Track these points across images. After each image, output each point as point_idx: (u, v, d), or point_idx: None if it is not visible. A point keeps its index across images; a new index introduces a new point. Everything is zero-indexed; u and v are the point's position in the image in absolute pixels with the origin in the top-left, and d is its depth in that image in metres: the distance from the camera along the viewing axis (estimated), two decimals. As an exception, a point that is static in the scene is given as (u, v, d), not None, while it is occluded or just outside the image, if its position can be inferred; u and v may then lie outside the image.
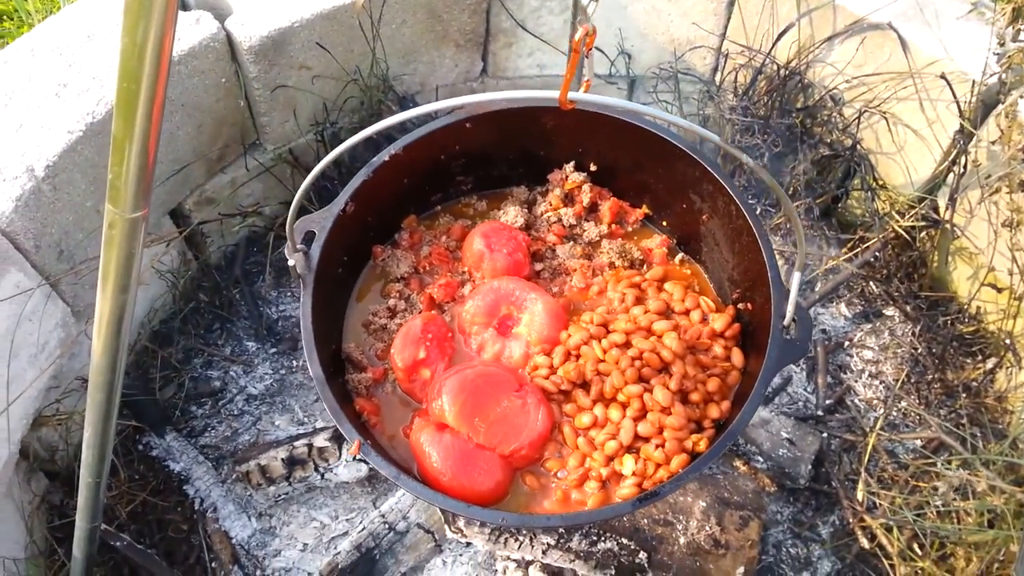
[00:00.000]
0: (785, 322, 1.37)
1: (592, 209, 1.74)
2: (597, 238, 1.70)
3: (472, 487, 1.36)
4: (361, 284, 1.67)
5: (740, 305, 1.56)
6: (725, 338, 1.55)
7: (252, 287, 2.41)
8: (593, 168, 1.73)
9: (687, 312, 1.56)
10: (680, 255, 1.70)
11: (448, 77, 2.47)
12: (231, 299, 2.38)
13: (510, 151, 1.73)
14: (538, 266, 1.67)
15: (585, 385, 1.46)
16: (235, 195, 2.31)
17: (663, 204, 1.71)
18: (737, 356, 1.52)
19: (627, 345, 1.47)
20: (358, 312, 1.63)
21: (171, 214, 2.22)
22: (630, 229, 1.75)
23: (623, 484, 1.38)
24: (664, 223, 1.73)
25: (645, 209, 1.74)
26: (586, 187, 1.72)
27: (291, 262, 1.39)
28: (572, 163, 1.72)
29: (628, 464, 1.38)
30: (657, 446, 1.39)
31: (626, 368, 1.43)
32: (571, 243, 1.70)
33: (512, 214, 1.70)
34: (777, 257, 2.30)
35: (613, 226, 1.72)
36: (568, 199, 1.74)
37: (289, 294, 2.42)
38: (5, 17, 2.82)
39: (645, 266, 1.69)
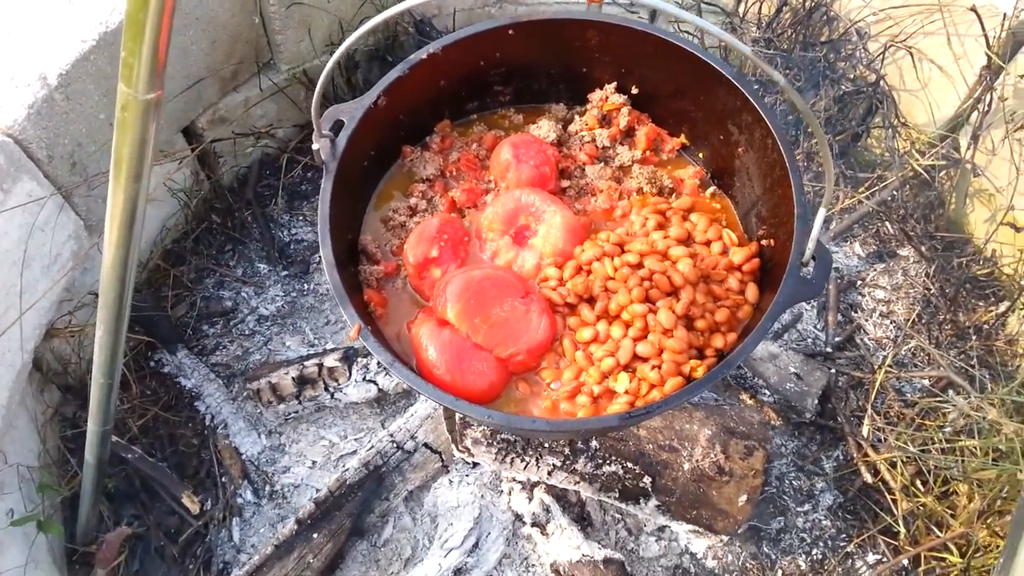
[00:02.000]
0: (804, 259, 1.35)
1: (628, 133, 1.71)
2: (629, 163, 1.67)
3: (464, 384, 1.37)
4: (387, 181, 1.66)
5: (764, 242, 1.54)
6: (742, 271, 1.53)
7: (265, 209, 2.41)
8: (635, 91, 1.69)
9: (708, 243, 1.54)
10: (712, 188, 1.68)
11: (466, 1, 2.43)
12: (243, 221, 2.38)
13: (552, 65, 1.69)
14: (565, 183, 1.65)
15: (591, 300, 1.46)
16: (248, 115, 2.30)
17: (701, 135, 1.68)
18: (752, 291, 1.50)
19: (639, 266, 1.46)
20: (380, 209, 1.63)
21: (184, 132, 2.20)
22: (665, 158, 1.72)
23: (615, 401, 1.39)
24: (700, 155, 1.70)
25: (683, 139, 1.71)
26: (625, 110, 1.68)
27: (315, 146, 1.38)
28: (614, 84, 1.69)
29: (622, 381, 1.38)
30: (654, 367, 1.38)
31: (634, 287, 1.42)
32: (602, 164, 1.68)
33: (545, 128, 1.68)
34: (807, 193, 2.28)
35: (648, 152, 1.69)
36: (605, 121, 1.71)
37: (301, 218, 2.42)
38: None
39: (674, 195, 1.67)
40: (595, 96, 1.71)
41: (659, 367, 1.38)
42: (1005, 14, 1.92)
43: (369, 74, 2.35)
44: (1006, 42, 1.94)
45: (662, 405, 1.31)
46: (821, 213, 1.25)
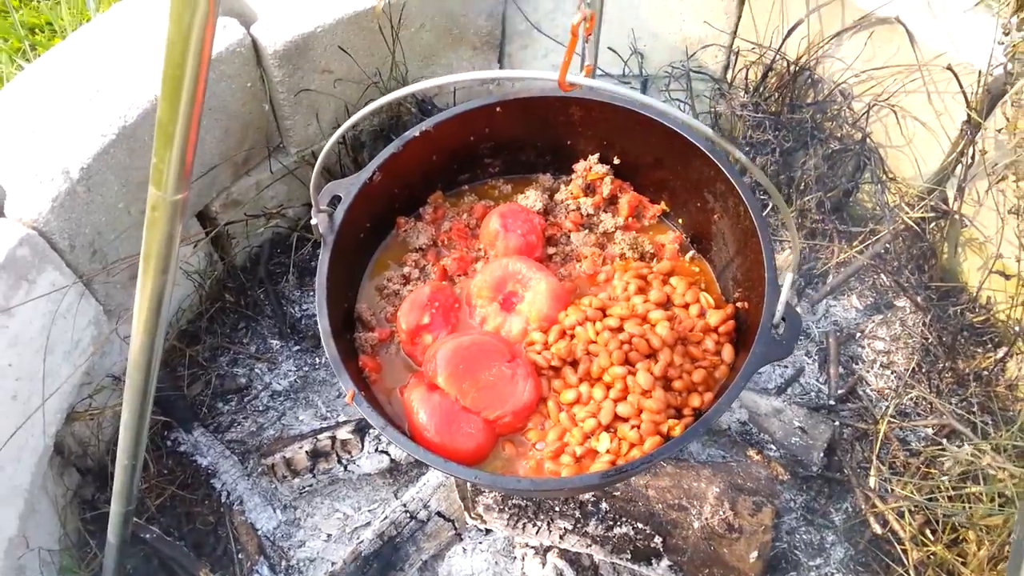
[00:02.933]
0: (774, 321, 1.41)
1: (611, 201, 1.79)
2: (612, 229, 1.76)
3: (453, 446, 1.42)
4: (382, 251, 1.74)
5: (739, 304, 1.61)
6: (719, 333, 1.60)
7: (276, 287, 2.48)
8: (617, 161, 1.78)
9: (686, 306, 1.62)
10: (691, 252, 1.75)
11: (465, 81, 2.53)
12: (256, 299, 2.45)
13: (537, 138, 1.78)
14: (551, 250, 1.73)
15: (575, 363, 1.52)
16: (260, 197, 2.38)
17: (680, 202, 1.76)
18: (728, 352, 1.57)
19: (620, 329, 1.53)
20: (375, 278, 1.70)
21: (198, 216, 2.29)
22: (646, 223, 1.80)
23: (598, 460, 1.44)
24: (679, 220, 1.78)
25: (663, 206, 1.79)
26: (608, 179, 1.77)
27: (314, 221, 1.46)
28: (597, 155, 1.78)
29: (604, 441, 1.44)
30: (633, 427, 1.44)
31: (614, 350, 1.48)
32: (586, 231, 1.76)
33: (532, 197, 1.76)
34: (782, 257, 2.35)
35: (630, 219, 1.78)
36: (589, 189, 1.80)
37: (312, 293, 2.49)
38: (36, 30, 2.91)
39: (655, 259, 1.74)
40: (579, 167, 1.80)
41: (638, 427, 1.44)
42: (980, 71, 2.01)
43: (374, 152, 2.44)
44: (983, 98, 2.02)
45: (643, 462, 1.36)
46: (788, 278, 1.31)
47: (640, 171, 1.78)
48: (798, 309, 2.28)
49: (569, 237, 1.75)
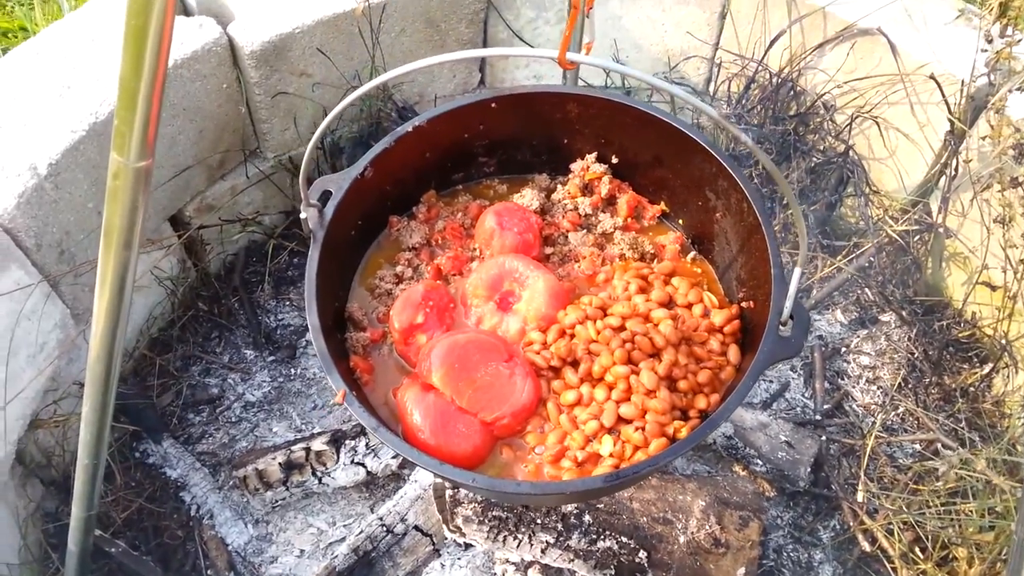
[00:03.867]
0: (782, 318, 1.37)
1: (610, 201, 1.76)
2: (611, 229, 1.71)
3: (449, 448, 1.36)
4: (374, 251, 1.69)
5: (744, 303, 1.57)
6: (724, 333, 1.55)
7: (251, 295, 2.42)
8: (615, 160, 1.74)
9: (689, 306, 1.57)
10: (692, 253, 1.71)
11: (447, 87, 2.51)
12: (230, 307, 2.39)
13: (534, 136, 1.74)
14: (548, 250, 1.69)
15: (575, 363, 1.47)
16: (235, 203, 2.33)
17: (680, 202, 1.73)
18: (734, 352, 1.52)
19: (622, 328, 1.48)
20: (366, 277, 1.65)
21: (171, 221, 2.23)
22: (646, 224, 1.76)
23: (601, 464, 1.38)
24: (680, 221, 1.75)
25: (662, 206, 1.75)
26: (606, 179, 1.73)
27: (303, 215, 1.41)
28: (595, 154, 1.74)
29: (607, 444, 1.38)
30: (637, 428, 1.38)
31: (616, 349, 1.43)
32: (584, 232, 1.72)
33: (529, 197, 1.72)
34: (785, 257, 2.32)
35: (629, 220, 1.74)
36: (587, 189, 1.76)
37: (288, 303, 2.43)
38: (9, 34, 2.86)
39: (655, 260, 1.70)
40: (576, 166, 1.76)
41: (643, 428, 1.38)
42: (963, 81, 2.00)
43: (353, 159, 2.41)
44: (966, 107, 2.02)
45: (648, 465, 1.31)
46: (797, 273, 1.27)
47: (639, 170, 1.75)
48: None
49: (567, 237, 1.71)
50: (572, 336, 1.49)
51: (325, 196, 1.49)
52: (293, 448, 2.03)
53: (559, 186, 1.78)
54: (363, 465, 2.02)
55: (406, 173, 1.67)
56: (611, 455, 1.38)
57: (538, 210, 1.72)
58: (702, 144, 1.55)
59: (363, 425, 1.29)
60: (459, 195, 1.79)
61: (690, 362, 1.47)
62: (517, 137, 1.74)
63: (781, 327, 1.37)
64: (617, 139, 1.72)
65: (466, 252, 1.68)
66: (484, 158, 1.77)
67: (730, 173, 1.51)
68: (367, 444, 2.03)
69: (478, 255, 1.68)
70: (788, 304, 1.34)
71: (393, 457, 2.01)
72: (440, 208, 1.75)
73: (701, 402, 1.44)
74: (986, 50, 1.90)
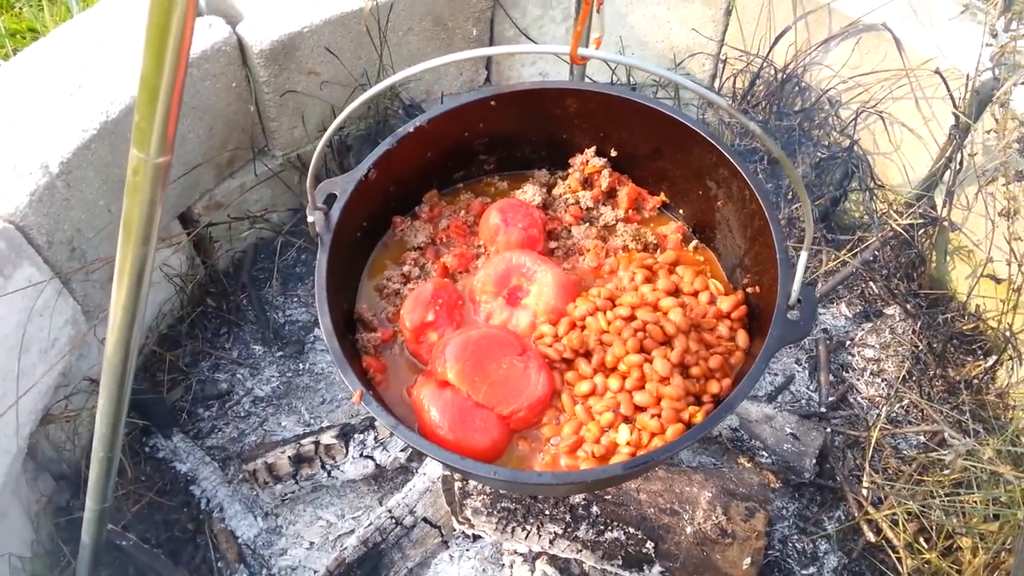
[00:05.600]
0: (790, 301, 1.39)
1: (610, 194, 1.77)
2: (613, 222, 1.73)
3: (468, 443, 1.38)
4: (379, 251, 1.71)
5: (749, 289, 1.59)
6: (731, 319, 1.57)
7: (259, 292, 2.44)
8: (614, 154, 1.76)
9: (696, 294, 1.59)
10: (694, 242, 1.73)
11: (453, 85, 2.52)
12: (238, 304, 2.41)
13: (533, 133, 1.76)
14: (552, 244, 1.70)
15: (587, 354, 1.49)
16: (244, 200, 2.35)
17: (680, 192, 1.75)
18: (742, 337, 1.54)
19: (632, 318, 1.49)
20: (374, 278, 1.67)
21: (180, 218, 2.25)
22: (647, 215, 1.78)
23: (618, 452, 1.40)
24: (680, 211, 1.77)
25: (663, 197, 1.77)
26: (605, 172, 1.75)
27: (310, 219, 1.42)
28: (593, 148, 1.76)
29: (623, 433, 1.40)
30: (653, 416, 1.40)
31: (628, 338, 1.45)
32: (587, 225, 1.73)
33: (531, 192, 1.74)
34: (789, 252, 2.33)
35: (630, 211, 1.76)
36: (587, 183, 1.78)
37: (296, 299, 2.45)
38: (18, 35, 2.88)
39: (659, 250, 1.72)
40: (576, 160, 1.78)
41: (659, 415, 1.40)
42: (968, 75, 2.01)
43: (360, 156, 2.42)
44: (971, 102, 2.03)
45: (667, 450, 1.33)
46: (804, 257, 1.29)
47: (638, 162, 1.76)
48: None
49: (570, 231, 1.73)
50: (583, 328, 1.51)
51: (330, 199, 1.51)
52: (302, 442, 2.05)
53: (559, 181, 1.80)
54: (372, 458, 2.03)
55: (408, 173, 1.69)
56: (628, 443, 1.40)
57: (540, 205, 1.73)
58: (702, 134, 1.57)
59: (380, 423, 1.30)
60: (460, 193, 1.81)
61: (700, 348, 1.49)
62: (517, 134, 1.76)
63: (790, 311, 1.39)
64: (616, 133, 1.73)
65: (471, 249, 1.69)
66: (484, 156, 1.78)
67: (731, 162, 1.53)
68: (376, 437, 2.04)
69: (483, 252, 1.69)
70: (796, 287, 1.37)
71: (402, 450, 2.03)
72: (442, 207, 1.77)
73: (714, 387, 1.47)
74: (991, 44, 1.91)
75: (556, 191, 1.78)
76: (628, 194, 1.75)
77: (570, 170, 1.78)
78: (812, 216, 1.19)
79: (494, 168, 1.82)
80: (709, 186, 1.64)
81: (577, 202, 1.75)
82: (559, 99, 1.69)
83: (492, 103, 1.65)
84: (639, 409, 1.43)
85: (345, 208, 1.50)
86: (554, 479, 1.31)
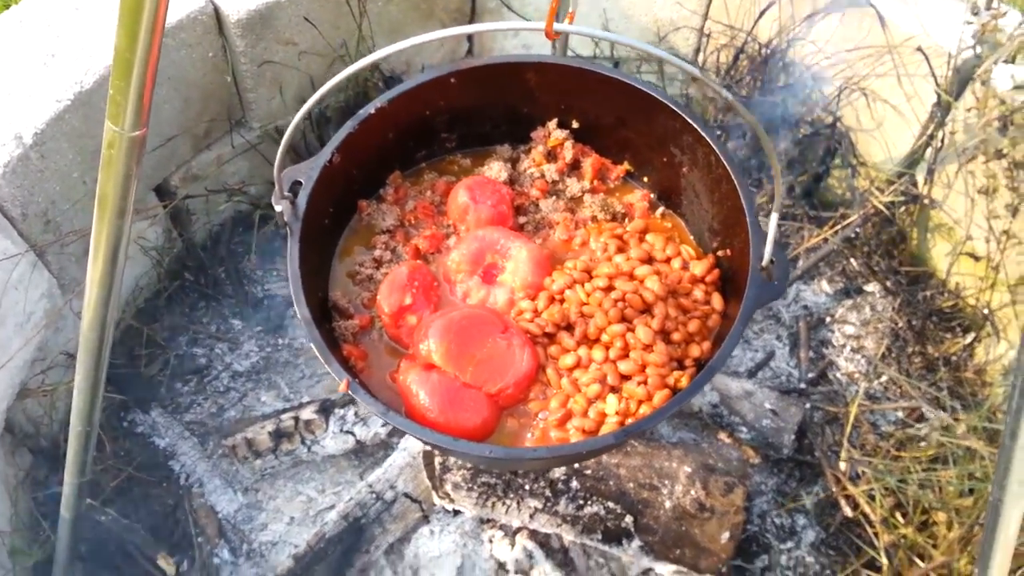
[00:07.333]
0: (763, 263, 1.40)
1: (575, 166, 1.77)
2: (580, 193, 1.74)
3: (459, 423, 1.38)
4: (347, 237, 1.69)
5: (720, 252, 1.61)
6: (705, 283, 1.60)
7: (237, 265, 2.41)
8: (576, 125, 1.76)
9: (668, 260, 1.61)
10: (661, 209, 1.74)
11: (434, 57, 2.49)
12: (216, 277, 2.38)
13: (494, 108, 1.75)
14: (521, 219, 1.70)
15: (569, 328, 1.49)
16: (221, 172, 2.32)
17: (644, 160, 1.75)
18: (717, 300, 1.57)
19: (610, 288, 1.51)
20: (344, 263, 1.65)
21: (156, 190, 2.22)
22: (612, 185, 1.79)
23: (607, 422, 1.41)
24: (645, 179, 1.78)
25: (626, 166, 1.78)
26: (568, 144, 1.75)
27: (278, 208, 1.41)
28: (555, 120, 1.75)
29: (611, 403, 1.41)
30: (639, 383, 1.42)
31: (609, 309, 1.46)
32: (554, 198, 1.74)
33: (496, 168, 1.73)
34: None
35: (595, 182, 1.76)
36: (551, 156, 1.77)
37: (275, 272, 2.43)
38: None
39: (627, 219, 1.73)
40: (538, 134, 1.77)
41: (645, 382, 1.42)
42: (950, 53, 2.01)
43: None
44: (953, 79, 2.03)
45: (657, 416, 1.35)
46: (774, 218, 1.30)
47: (601, 133, 1.76)
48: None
49: (538, 205, 1.73)
50: (563, 301, 1.51)
51: (295, 187, 1.49)
52: (282, 417, 2.04)
53: (523, 155, 1.79)
54: (352, 434, 2.03)
55: (371, 155, 1.67)
56: (617, 412, 1.41)
57: (507, 181, 1.73)
58: (665, 102, 1.57)
59: (370, 410, 1.30)
60: (424, 173, 1.79)
61: (679, 314, 1.51)
62: (478, 110, 1.74)
63: (763, 272, 1.40)
64: (578, 104, 1.73)
65: (441, 229, 1.68)
66: (445, 134, 1.77)
67: (695, 128, 1.54)
68: (356, 413, 2.04)
69: (453, 232, 1.68)
70: (768, 249, 1.38)
71: (383, 426, 2.03)
72: (407, 188, 1.75)
73: (695, 351, 1.49)
74: (972, 23, 1.90)
75: (521, 166, 1.77)
76: (592, 164, 1.75)
77: (532, 144, 1.78)
78: (781, 176, 1.19)
79: (455, 146, 1.80)
80: (673, 152, 1.64)
81: (543, 175, 1.75)
82: (519, 73, 1.68)
83: (452, 80, 1.64)
84: (625, 378, 1.44)
85: (311, 195, 1.48)
86: (548, 453, 1.32)
